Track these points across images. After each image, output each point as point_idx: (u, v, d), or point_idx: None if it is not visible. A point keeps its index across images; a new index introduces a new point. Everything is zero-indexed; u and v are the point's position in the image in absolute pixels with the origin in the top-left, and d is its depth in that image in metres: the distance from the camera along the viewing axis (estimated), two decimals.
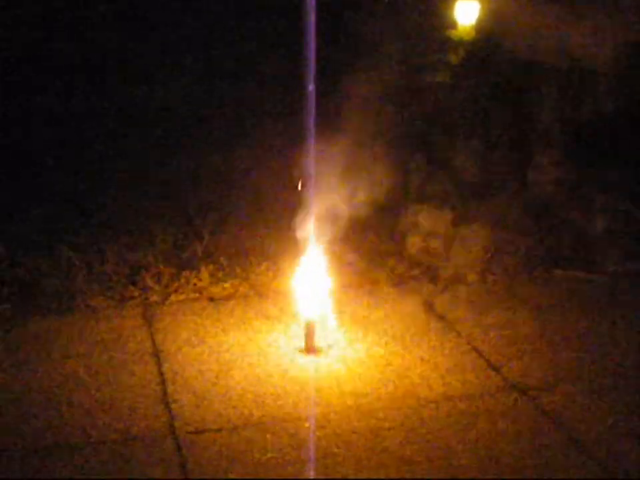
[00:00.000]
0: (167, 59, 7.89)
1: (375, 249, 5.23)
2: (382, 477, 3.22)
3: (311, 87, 4.56)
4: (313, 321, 4.14)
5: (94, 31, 7.73)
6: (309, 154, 4.47)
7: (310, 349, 4.13)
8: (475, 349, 4.21)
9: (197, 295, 4.72)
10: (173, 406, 3.67)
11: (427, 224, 5.59)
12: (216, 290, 4.75)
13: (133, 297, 4.66)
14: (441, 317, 4.55)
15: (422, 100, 6.87)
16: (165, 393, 3.78)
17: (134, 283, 4.75)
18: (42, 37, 7.54)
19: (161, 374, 3.94)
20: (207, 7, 7.86)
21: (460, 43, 8.81)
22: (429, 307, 4.67)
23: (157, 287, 4.72)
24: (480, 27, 9.11)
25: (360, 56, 6.43)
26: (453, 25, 9.37)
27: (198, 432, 3.50)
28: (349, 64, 6.43)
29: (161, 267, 4.88)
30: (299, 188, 4.18)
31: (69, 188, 5.99)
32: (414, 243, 5.34)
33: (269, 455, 3.35)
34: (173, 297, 4.68)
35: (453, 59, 8.13)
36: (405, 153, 5.99)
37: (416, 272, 5.05)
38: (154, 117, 6.94)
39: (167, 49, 7.95)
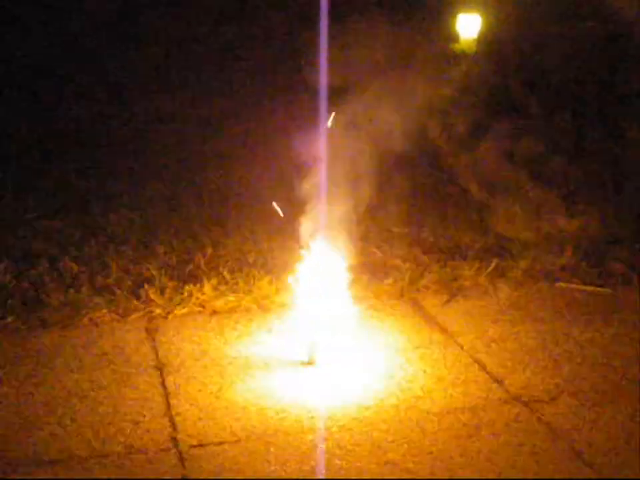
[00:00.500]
0: (171, 74, 7.94)
1: (379, 262, 5.25)
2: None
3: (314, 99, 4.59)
4: (316, 334, 4.15)
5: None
6: (313, 167, 4.49)
7: (313, 361, 4.14)
8: (477, 362, 4.22)
9: (200, 308, 4.73)
10: (176, 419, 3.68)
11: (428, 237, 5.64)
12: (219, 303, 4.76)
13: (136, 311, 4.67)
14: (443, 330, 4.56)
15: None
16: (168, 406, 3.79)
17: (137, 297, 4.76)
18: None
19: (164, 387, 3.95)
20: None
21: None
22: (431, 319, 4.68)
23: (160, 301, 4.73)
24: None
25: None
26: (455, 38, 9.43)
27: (201, 445, 3.50)
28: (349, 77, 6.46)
29: (164, 280, 4.89)
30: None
31: (73, 201, 6.02)
32: (416, 257, 5.37)
33: (272, 467, 3.35)
34: (176, 311, 4.69)
35: None
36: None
37: (418, 285, 5.05)
38: (156, 130, 6.97)
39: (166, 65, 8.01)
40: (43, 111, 7.51)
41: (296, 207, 4.51)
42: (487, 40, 9.41)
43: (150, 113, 7.45)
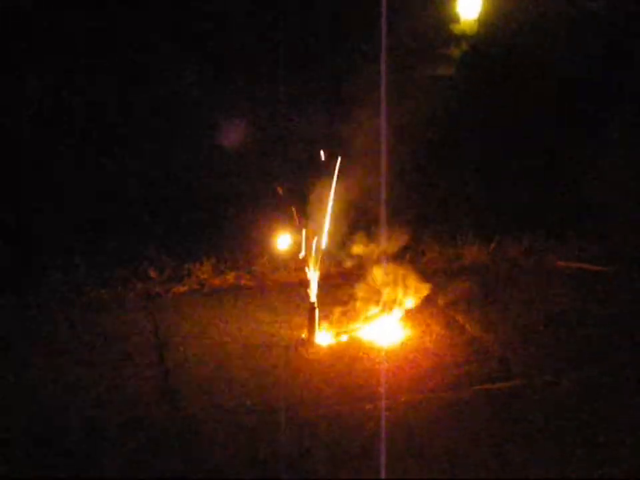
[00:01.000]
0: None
1: (377, 240, 5.21)
2: (383, 463, 3.20)
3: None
4: (315, 312, 4.13)
5: None
6: (317, 144, 4.45)
7: (312, 339, 4.12)
8: (480, 340, 4.19)
9: (199, 286, 4.71)
10: (176, 396, 3.66)
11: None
12: (218, 282, 4.74)
13: (135, 289, 4.64)
14: (446, 309, 4.53)
15: None
16: (167, 383, 3.77)
17: (136, 275, 4.73)
18: None
19: (164, 364, 3.92)
20: None
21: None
22: (432, 298, 4.65)
23: (159, 279, 4.71)
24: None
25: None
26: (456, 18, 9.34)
27: (200, 421, 3.48)
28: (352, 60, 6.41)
29: (164, 258, 4.87)
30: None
31: (72, 182, 5.97)
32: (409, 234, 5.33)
33: (271, 442, 3.33)
34: (175, 289, 4.67)
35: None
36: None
37: (418, 263, 5.03)
38: (157, 111, 6.90)
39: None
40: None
41: (297, 185, 4.49)
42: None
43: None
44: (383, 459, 3.21)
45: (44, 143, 6.17)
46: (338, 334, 4.19)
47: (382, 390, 3.70)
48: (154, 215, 5.48)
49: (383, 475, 3.14)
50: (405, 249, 5.13)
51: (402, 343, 4.15)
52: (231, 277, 4.77)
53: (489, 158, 6.33)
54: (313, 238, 4.10)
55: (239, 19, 7.11)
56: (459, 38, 9.05)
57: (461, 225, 5.46)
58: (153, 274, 4.72)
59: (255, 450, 3.27)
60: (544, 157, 6.32)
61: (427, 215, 5.61)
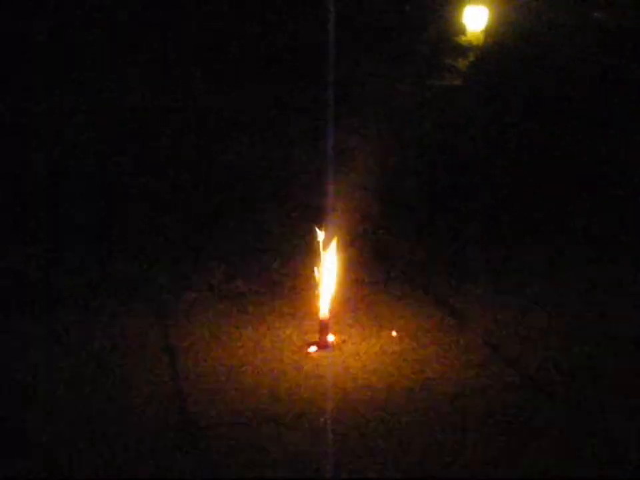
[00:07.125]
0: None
1: (389, 247, 5.22)
2: (399, 470, 3.19)
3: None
4: (326, 317, 4.12)
5: None
6: (320, 151, 4.47)
7: (324, 344, 4.11)
8: (489, 345, 4.19)
9: (210, 292, 4.71)
10: (187, 401, 3.65)
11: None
12: (229, 288, 4.74)
13: (146, 295, 4.65)
14: (455, 314, 4.53)
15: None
16: (178, 388, 3.76)
17: (147, 280, 4.73)
18: None
19: (175, 370, 3.92)
20: None
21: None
22: (442, 304, 4.65)
23: (170, 285, 4.71)
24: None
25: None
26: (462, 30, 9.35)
27: (212, 426, 3.47)
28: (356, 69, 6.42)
29: (175, 265, 4.87)
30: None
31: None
32: (426, 243, 5.34)
33: (285, 448, 3.32)
34: (186, 295, 4.66)
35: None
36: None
37: (428, 270, 5.03)
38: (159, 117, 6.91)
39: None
40: None
41: (306, 194, 4.49)
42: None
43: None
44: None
45: None
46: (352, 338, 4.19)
47: (394, 394, 3.70)
48: (164, 220, 5.48)
49: None
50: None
51: (409, 347, 4.15)
52: (241, 282, 4.76)
53: (497, 167, 6.34)
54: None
55: None
56: (466, 49, 9.05)
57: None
58: (163, 280, 4.72)
59: (270, 457, 3.27)
60: (554, 164, 6.34)
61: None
